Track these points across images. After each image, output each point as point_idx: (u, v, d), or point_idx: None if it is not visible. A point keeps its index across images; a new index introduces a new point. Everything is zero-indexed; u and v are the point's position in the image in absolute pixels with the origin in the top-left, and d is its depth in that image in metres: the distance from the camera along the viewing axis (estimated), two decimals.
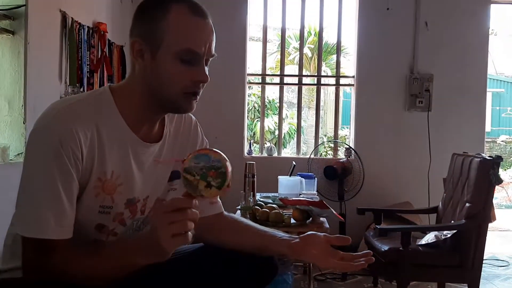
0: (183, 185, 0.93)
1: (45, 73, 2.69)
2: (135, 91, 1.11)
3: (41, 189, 0.99)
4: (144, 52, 1.07)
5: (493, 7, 4.21)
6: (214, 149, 0.96)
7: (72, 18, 2.90)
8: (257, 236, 1.25)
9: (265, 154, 4.38)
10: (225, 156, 0.95)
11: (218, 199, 1.31)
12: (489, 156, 2.73)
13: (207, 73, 1.08)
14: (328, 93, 11.62)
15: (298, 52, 4.99)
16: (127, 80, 1.15)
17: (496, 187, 2.71)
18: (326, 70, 11.13)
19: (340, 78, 4.62)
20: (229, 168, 0.95)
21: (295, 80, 4.74)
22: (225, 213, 1.34)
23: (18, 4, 2.44)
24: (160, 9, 1.05)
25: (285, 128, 10.51)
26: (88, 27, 3.12)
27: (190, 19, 1.05)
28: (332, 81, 5.01)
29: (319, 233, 1.21)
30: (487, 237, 2.71)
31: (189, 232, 0.93)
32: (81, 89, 2.99)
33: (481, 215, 2.65)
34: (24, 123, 2.46)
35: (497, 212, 4.22)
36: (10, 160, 2.37)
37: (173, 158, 1.20)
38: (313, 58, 11.41)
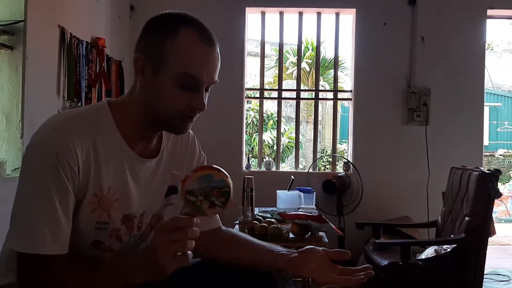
0: (185, 205, 0.92)
1: (43, 88, 2.69)
2: (134, 107, 1.10)
3: (37, 203, 0.98)
4: (145, 69, 1.06)
5: (489, 22, 4.24)
6: (214, 166, 0.95)
7: (70, 34, 2.91)
8: (255, 251, 1.23)
9: (263, 169, 4.37)
10: (225, 172, 0.95)
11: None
12: (488, 170, 2.72)
13: (205, 102, 1.07)
14: (326, 108, 11.66)
15: (296, 67, 5.02)
16: (126, 95, 1.14)
17: (495, 201, 2.71)
18: (324, 84, 11.19)
19: (338, 93, 4.63)
20: (231, 185, 0.94)
21: (293, 94, 4.76)
22: (223, 227, 1.33)
23: (17, 19, 2.46)
24: (168, 29, 1.04)
25: (284, 142, 10.50)
26: (86, 42, 3.13)
27: (196, 45, 1.03)
28: (330, 95, 5.03)
29: (318, 247, 1.20)
30: (487, 252, 2.70)
31: (189, 252, 0.92)
32: (79, 104, 2.99)
33: (480, 229, 2.64)
34: (21, 138, 2.45)
35: (497, 226, 4.21)
36: (7, 175, 2.36)
37: (172, 171, 1.19)
38: (311, 72, 11.48)
